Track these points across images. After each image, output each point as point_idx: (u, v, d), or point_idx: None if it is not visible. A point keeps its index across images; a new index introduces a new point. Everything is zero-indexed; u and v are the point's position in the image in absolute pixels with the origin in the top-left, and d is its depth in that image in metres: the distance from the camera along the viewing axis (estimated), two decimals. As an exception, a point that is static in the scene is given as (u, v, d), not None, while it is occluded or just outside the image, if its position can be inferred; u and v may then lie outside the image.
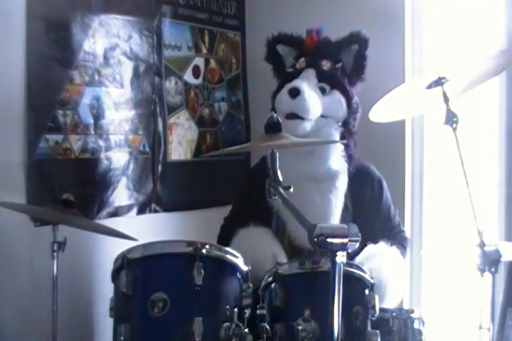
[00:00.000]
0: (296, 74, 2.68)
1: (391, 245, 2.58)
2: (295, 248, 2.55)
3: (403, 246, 2.70)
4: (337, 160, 2.63)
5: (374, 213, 2.69)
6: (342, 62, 2.69)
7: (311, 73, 2.66)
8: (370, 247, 2.49)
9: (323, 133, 2.61)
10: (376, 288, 2.22)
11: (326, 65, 2.68)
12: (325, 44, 2.74)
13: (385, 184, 2.75)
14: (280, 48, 2.80)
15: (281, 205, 2.24)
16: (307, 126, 2.59)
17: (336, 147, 2.63)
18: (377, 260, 2.47)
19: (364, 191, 2.69)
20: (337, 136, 2.65)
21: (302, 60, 2.70)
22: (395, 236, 2.71)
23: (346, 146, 2.66)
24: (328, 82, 2.66)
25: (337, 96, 2.66)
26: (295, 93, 2.58)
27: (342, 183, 2.64)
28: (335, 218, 2.59)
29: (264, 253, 2.46)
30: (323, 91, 2.65)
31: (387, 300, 2.41)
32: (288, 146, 2.20)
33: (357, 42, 2.69)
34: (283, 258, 2.49)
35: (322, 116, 2.63)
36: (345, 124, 2.67)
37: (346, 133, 2.67)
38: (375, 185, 2.72)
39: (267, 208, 2.56)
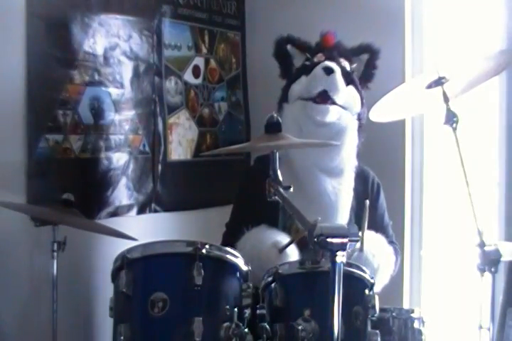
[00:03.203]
0: (315, 66, 2.69)
1: (389, 244, 2.59)
2: (304, 239, 2.53)
3: (395, 256, 2.66)
4: (349, 154, 2.65)
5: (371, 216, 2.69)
6: (355, 64, 2.75)
7: (334, 66, 2.67)
8: (369, 233, 2.49)
9: (344, 123, 2.64)
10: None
11: (343, 62, 2.71)
12: (340, 47, 2.78)
13: (382, 190, 2.77)
14: (290, 48, 2.81)
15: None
16: (335, 112, 2.62)
17: (350, 140, 2.65)
18: (377, 246, 2.50)
19: (365, 193, 2.70)
20: (355, 128, 2.67)
21: (320, 54, 2.72)
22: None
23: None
24: (345, 77, 2.67)
25: (352, 91, 2.69)
26: (330, 70, 2.62)
27: (350, 179, 2.66)
28: (345, 209, 2.62)
29: (266, 245, 2.44)
30: (347, 80, 2.68)
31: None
32: (288, 147, 2.20)
33: (368, 52, 2.76)
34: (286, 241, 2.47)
35: (342, 106, 2.65)
36: (360, 118, 2.71)
37: (360, 128, 2.70)
38: (374, 189, 2.75)
39: (271, 207, 2.55)
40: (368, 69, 2.78)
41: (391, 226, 2.79)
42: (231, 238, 2.56)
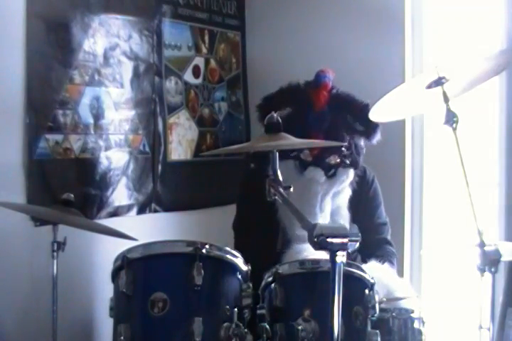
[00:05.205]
0: (302, 166, 2.62)
1: (382, 262, 2.56)
2: None
3: (391, 263, 2.65)
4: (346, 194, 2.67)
5: (367, 215, 2.70)
6: (352, 145, 2.64)
7: (317, 173, 2.62)
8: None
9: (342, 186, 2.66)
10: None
11: (333, 159, 2.63)
12: (331, 132, 2.60)
13: (379, 188, 2.77)
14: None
15: (289, 221, 2.52)
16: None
17: (348, 186, 2.66)
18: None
19: (361, 193, 2.70)
20: (352, 175, 2.67)
21: (307, 153, 2.61)
22: (383, 248, 2.70)
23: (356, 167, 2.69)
24: (337, 167, 2.64)
25: (346, 170, 2.65)
26: None
27: (348, 193, 2.68)
28: (346, 221, 2.62)
29: None
30: (331, 175, 2.63)
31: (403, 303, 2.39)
32: (288, 147, 2.20)
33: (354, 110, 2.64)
34: None
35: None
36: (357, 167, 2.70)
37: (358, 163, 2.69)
38: (370, 187, 2.76)
39: (271, 216, 2.58)
40: (366, 128, 2.64)
41: (389, 224, 2.78)
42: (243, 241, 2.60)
